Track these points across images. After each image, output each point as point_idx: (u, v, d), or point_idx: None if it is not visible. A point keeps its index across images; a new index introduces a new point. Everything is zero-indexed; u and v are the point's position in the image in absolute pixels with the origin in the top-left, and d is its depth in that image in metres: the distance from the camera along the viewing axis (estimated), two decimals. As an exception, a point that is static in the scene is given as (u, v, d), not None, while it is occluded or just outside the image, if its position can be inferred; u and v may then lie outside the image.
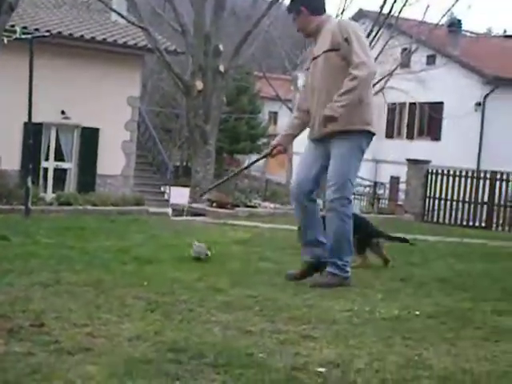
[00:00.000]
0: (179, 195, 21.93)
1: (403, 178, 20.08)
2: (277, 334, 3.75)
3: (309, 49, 6.02)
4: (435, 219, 17.11)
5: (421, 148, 30.40)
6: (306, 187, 5.66)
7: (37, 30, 18.39)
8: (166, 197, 24.21)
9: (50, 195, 16.48)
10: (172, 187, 24.91)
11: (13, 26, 14.67)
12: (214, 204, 14.65)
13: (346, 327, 4.02)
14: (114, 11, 20.81)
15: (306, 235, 5.76)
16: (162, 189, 24.97)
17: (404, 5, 22.15)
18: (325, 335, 3.80)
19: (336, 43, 5.41)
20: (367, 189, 26.71)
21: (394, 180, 28.01)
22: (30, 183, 12.10)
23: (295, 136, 6.01)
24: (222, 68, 18.40)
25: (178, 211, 13.69)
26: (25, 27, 17.60)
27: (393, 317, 4.34)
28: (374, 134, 5.62)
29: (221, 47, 18.39)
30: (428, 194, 17.31)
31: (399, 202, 20.58)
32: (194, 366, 3.11)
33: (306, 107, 5.77)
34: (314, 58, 5.61)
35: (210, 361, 3.18)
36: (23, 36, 13.44)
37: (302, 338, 3.71)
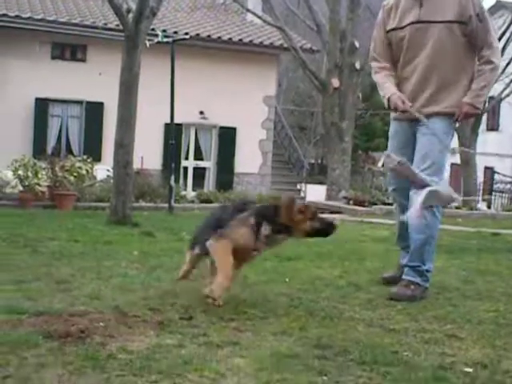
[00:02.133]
0: (315, 193, 21.98)
1: (547, 174, 19.33)
2: (421, 333, 3.72)
3: (392, 1, 4.93)
4: None
5: None
6: (405, 184, 4.79)
7: (175, 32, 18.97)
8: (302, 194, 24.34)
9: (190, 193, 16.95)
10: (308, 185, 25.01)
11: (153, 29, 15.21)
12: (351, 201, 14.62)
13: (493, 327, 3.94)
14: (250, 12, 21.15)
15: (405, 237, 5.02)
16: (298, 186, 25.12)
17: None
18: (471, 335, 3.74)
19: (466, 16, 4.66)
20: (508, 186, 25.83)
21: (538, 176, 26.93)
22: (172, 182, 12.49)
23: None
24: (357, 65, 18.32)
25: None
26: (164, 30, 18.22)
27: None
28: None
29: (356, 44, 18.31)
30: None
31: (543, 199, 19.81)
32: (340, 363, 3.14)
33: (391, 64, 4.96)
34: (418, 22, 4.76)
35: (355, 357, 3.21)
36: (165, 39, 13.88)
37: (447, 338, 3.67)
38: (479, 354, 3.40)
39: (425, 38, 4.75)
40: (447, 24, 4.70)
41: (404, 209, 4.92)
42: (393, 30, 4.90)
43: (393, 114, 5.07)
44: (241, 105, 20.65)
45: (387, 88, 4.90)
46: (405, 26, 4.81)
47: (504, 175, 26.50)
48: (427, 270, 4.79)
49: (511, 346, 3.57)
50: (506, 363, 3.26)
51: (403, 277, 4.80)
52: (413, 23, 4.77)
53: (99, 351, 3.18)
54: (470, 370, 3.14)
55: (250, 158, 21.17)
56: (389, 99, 4.86)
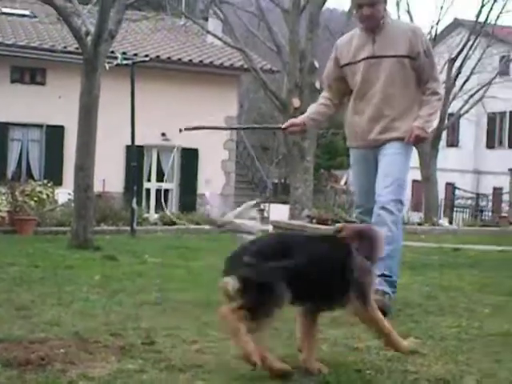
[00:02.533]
0: (279, 212, 22.01)
1: (506, 189, 19.61)
2: (384, 351, 3.72)
3: (345, 39, 5.22)
4: (542, 230, 16.58)
5: (524, 157, 29.64)
6: (371, 206, 5.01)
7: (136, 54, 18.98)
8: (265, 214, 24.35)
9: (153, 215, 16.87)
10: (271, 204, 25.05)
11: (113, 52, 15.17)
12: (314, 220, 14.65)
13: (455, 343, 3.95)
14: (210, 33, 21.24)
15: None
16: (262, 206, 25.13)
17: (501, 12, 21.75)
18: (433, 351, 3.75)
19: (415, 52, 4.94)
20: (469, 201, 26.16)
21: (497, 191, 27.33)
22: (134, 204, 12.43)
23: (319, 122, 5.52)
24: (317, 84, 18.42)
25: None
26: (124, 53, 18.20)
27: (502, 332, 4.24)
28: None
29: (316, 64, 18.44)
30: (533, 205, 16.84)
31: (503, 214, 20.07)
32: None
33: (335, 98, 5.25)
34: (372, 57, 4.99)
35: (318, 378, 3.19)
36: (124, 62, 13.86)
37: (409, 355, 3.67)
38: (442, 369, 3.41)
39: (378, 71, 4.99)
40: (399, 58, 4.95)
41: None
42: (347, 64, 5.12)
43: (350, 143, 5.31)
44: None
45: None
46: (359, 61, 5.05)
47: (465, 191, 26.85)
48: (395, 281, 4.95)
49: (473, 361, 3.59)
50: (468, 379, 3.27)
51: (377, 287, 4.72)
52: (367, 58, 5.02)
53: (59, 378, 3.13)
54: (433, 386, 3.15)
55: (212, 179, 21.15)
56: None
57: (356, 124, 5.16)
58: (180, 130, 5.07)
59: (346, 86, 5.24)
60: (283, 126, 5.25)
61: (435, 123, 5.46)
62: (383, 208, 4.85)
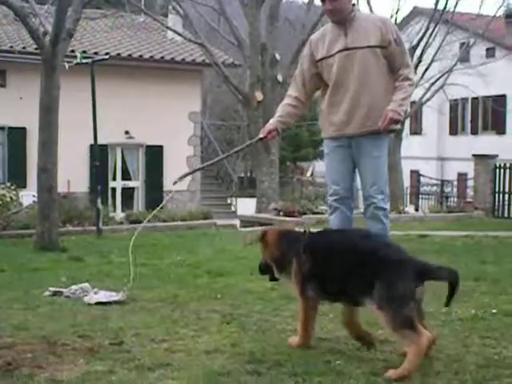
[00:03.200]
0: (246, 206, 22.04)
1: (471, 175, 19.79)
2: (353, 340, 3.74)
3: (318, 35, 5.32)
4: (506, 214, 16.80)
5: (486, 143, 29.95)
6: (346, 192, 5.22)
7: (96, 53, 18.79)
8: (232, 208, 24.34)
9: (119, 214, 16.75)
10: (238, 198, 25.03)
11: (72, 51, 15.04)
12: (281, 213, 14.68)
13: (423, 329, 3.97)
14: (171, 29, 21.13)
15: None
16: (229, 201, 25.11)
17: (459, -1, 21.85)
18: (401, 339, 3.77)
19: (386, 41, 5.07)
20: (434, 188, 26.36)
21: (462, 177, 27.58)
22: (99, 204, 12.34)
23: (290, 124, 5.50)
24: (280, 77, 18.45)
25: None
26: (84, 51, 18.03)
27: (469, 317, 4.29)
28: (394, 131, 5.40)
29: (277, 56, 18.46)
30: (497, 189, 17.02)
31: (468, 199, 20.26)
32: (273, 376, 3.13)
33: (304, 97, 5.29)
34: (346, 49, 5.09)
35: (288, 370, 3.20)
36: (84, 60, 13.73)
37: (378, 343, 3.69)
38: (410, 357, 3.42)
39: (353, 62, 5.07)
40: (372, 48, 5.06)
41: (345, 212, 5.19)
42: (322, 59, 5.18)
43: (327, 134, 5.31)
44: (166, 122, 20.54)
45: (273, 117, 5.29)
46: (334, 54, 5.11)
47: (430, 177, 27.05)
48: None
49: (442, 346, 3.62)
50: (437, 364, 3.30)
51: None
52: (341, 51, 5.09)
53: (27, 383, 3.09)
54: (402, 374, 3.16)
55: (178, 175, 21.05)
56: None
57: (333, 115, 5.21)
58: (174, 183, 5.11)
59: (321, 83, 5.29)
60: (262, 136, 5.17)
61: (406, 107, 5.49)
62: (376, 208, 5.11)
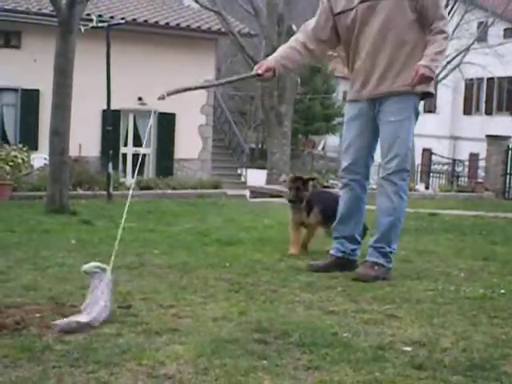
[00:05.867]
0: (256, 177, 22.04)
1: (483, 155, 19.71)
2: (361, 314, 3.74)
3: None
4: (517, 196, 16.77)
5: (500, 124, 29.81)
6: (360, 168, 4.93)
7: (112, 17, 18.72)
8: (242, 179, 24.34)
9: (130, 180, 16.79)
10: (249, 169, 25.03)
11: (88, 14, 14.96)
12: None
13: (431, 306, 3.98)
14: (187, -4, 21.00)
15: (345, 227, 5.03)
16: (239, 171, 25.12)
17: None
18: (409, 314, 3.77)
19: None
20: (446, 167, 26.28)
21: (474, 157, 27.50)
22: (110, 169, 12.37)
23: (289, 70, 5.15)
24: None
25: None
26: (100, 15, 17.96)
27: (478, 296, 4.27)
28: (431, 94, 4.87)
29: (294, 27, 18.34)
30: (509, 171, 16.96)
31: (479, 180, 20.20)
32: (280, 346, 3.13)
33: (314, 46, 4.91)
34: (366, 1, 4.66)
35: (295, 340, 3.20)
36: (99, 24, 13.68)
37: (386, 318, 3.69)
38: (417, 332, 3.43)
39: (375, 14, 4.63)
40: (398, 0, 4.61)
41: (355, 189, 4.96)
42: (342, 12, 4.77)
43: (348, 96, 4.99)
44: (180, 90, 20.49)
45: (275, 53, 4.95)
46: (354, 7, 4.69)
47: (442, 156, 26.97)
48: (391, 252, 4.83)
49: (449, 324, 3.61)
50: (444, 341, 3.30)
51: (367, 258, 4.84)
52: (362, 2, 4.66)
53: (35, 343, 3.11)
54: (409, 348, 3.16)
55: (190, 144, 21.05)
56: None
57: (353, 75, 4.84)
58: (160, 98, 4.50)
59: (335, 41, 4.95)
60: (259, 72, 4.76)
61: (441, 62, 4.99)
62: (384, 179, 4.77)
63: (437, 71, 4.72)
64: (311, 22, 4.97)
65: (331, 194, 6.17)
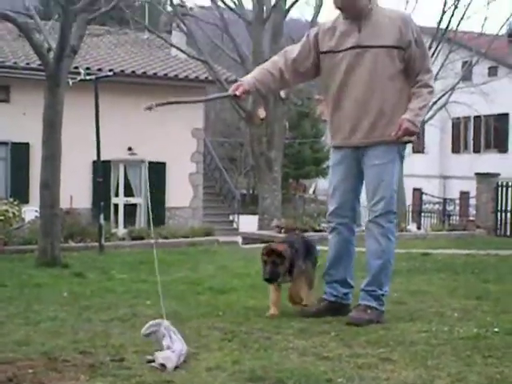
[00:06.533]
0: (248, 223, 22.03)
1: (473, 193, 19.78)
2: (355, 358, 3.73)
3: (328, 24, 4.84)
4: (508, 233, 16.78)
5: (488, 161, 29.98)
6: (346, 212, 4.94)
7: (100, 69, 18.88)
8: (234, 225, 24.34)
9: (121, 230, 16.76)
10: (240, 215, 25.04)
11: (76, 67, 15.09)
12: (283, 230, 14.67)
13: (425, 348, 3.97)
14: (174, 46, 21.23)
15: (336, 271, 5.02)
16: (231, 217, 25.14)
17: (462, 18, 22.00)
18: (403, 357, 3.76)
19: (405, 42, 4.62)
20: (436, 206, 26.36)
21: (464, 195, 27.58)
22: (102, 220, 12.34)
23: (261, 92, 5.16)
24: (283, 94, 18.51)
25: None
26: (88, 68, 18.13)
27: (471, 335, 4.27)
28: (410, 142, 4.89)
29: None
30: (499, 208, 17.02)
31: (470, 218, 20.25)
32: (274, 394, 3.12)
33: (289, 76, 4.88)
34: (358, 47, 4.66)
35: (289, 388, 3.19)
36: (87, 77, 13.78)
37: (380, 361, 3.68)
38: (412, 375, 3.42)
39: (363, 63, 4.65)
40: (388, 49, 4.63)
41: (343, 233, 4.97)
42: (328, 52, 4.77)
43: (333, 142, 4.97)
44: (169, 139, 20.60)
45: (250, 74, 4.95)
46: (343, 50, 4.71)
47: (432, 196, 27.06)
48: (383, 294, 4.82)
49: (443, 365, 3.60)
50: (439, 383, 3.29)
51: (360, 301, 4.83)
52: (352, 48, 4.67)
53: (28, 399, 3.09)
54: (404, 392, 3.15)
55: (181, 192, 21.10)
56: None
57: (338, 122, 4.83)
58: (147, 108, 4.61)
59: (313, 76, 4.97)
60: (237, 93, 4.79)
61: (424, 116, 4.99)
62: (371, 221, 4.78)
63: (419, 126, 4.71)
64: (293, 51, 4.93)
65: (302, 238, 5.61)
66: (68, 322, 4.86)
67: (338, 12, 4.81)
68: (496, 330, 4.41)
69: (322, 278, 5.24)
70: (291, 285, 5.16)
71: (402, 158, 4.90)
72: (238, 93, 4.81)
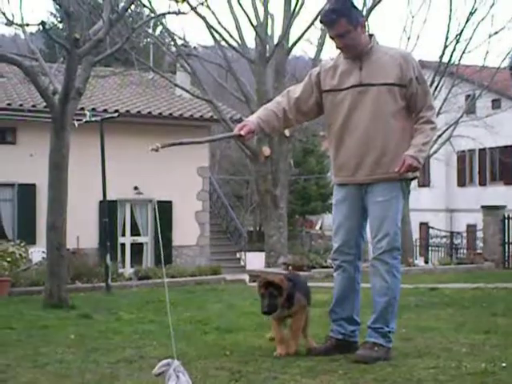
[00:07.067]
0: (255, 260, 22.00)
1: (480, 226, 19.75)
2: (362, 397, 3.72)
3: (330, 63, 4.91)
4: (516, 265, 16.76)
5: (494, 193, 30.00)
6: (351, 249, 4.94)
7: (105, 110, 19.04)
8: (242, 263, 24.30)
9: (128, 270, 16.76)
10: (247, 253, 25.00)
11: (82, 108, 15.22)
12: (290, 267, 14.65)
13: (432, 385, 3.95)
14: (179, 86, 21.40)
15: (342, 309, 5.01)
16: (238, 255, 25.10)
17: (463, 52, 22.12)
18: (411, 394, 3.75)
19: (406, 79, 4.67)
20: (444, 240, 26.30)
21: (471, 228, 27.55)
22: (108, 261, 12.37)
23: (265, 132, 5.19)
24: (287, 132, 18.59)
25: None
26: (93, 109, 18.27)
27: (479, 371, 4.24)
28: (414, 178, 4.92)
29: (284, 111, 18.58)
30: (506, 240, 16.98)
31: (478, 251, 20.20)
32: (282, 435, 3.11)
33: (293, 116, 4.98)
34: (360, 85, 4.73)
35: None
36: (93, 118, 13.90)
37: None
38: (420, 413, 3.41)
39: (365, 101, 4.70)
40: (388, 87, 4.67)
41: (348, 270, 4.96)
42: (330, 90, 4.83)
43: (336, 179, 5.00)
44: (175, 178, 20.70)
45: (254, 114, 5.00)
46: (345, 89, 4.76)
47: (439, 230, 27.01)
48: (390, 331, 4.80)
49: (452, 402, 3.59)
50: (447, 421, 3.27)
51: (367, 339, 4.81)
52: (354, 86, 4.72)
53: None
54: (412, 430, 3.14)
55: (187, 230, 21.13)
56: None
57: (342, 159, 4.86)
58: (153, 150, 4.60)
59: (317, 114, 5.03)
60: (242, 133, 4.80)
61: (427, 153, 4.99)
62: (376, 258, 4.77)
63: (423, 162, 4.73)
64: (296, 91, 5.00)
65: (298, 277, 5.42)
66: (75, 364, 4.85)
67: (338, 51, 4.89)
68: (503, 364, 4.38)
69: (328, 314, 5.23)
70: (292, 320, 5.09)
71: (405, 194, 4.90)
72: (243, 133, 4.83)
